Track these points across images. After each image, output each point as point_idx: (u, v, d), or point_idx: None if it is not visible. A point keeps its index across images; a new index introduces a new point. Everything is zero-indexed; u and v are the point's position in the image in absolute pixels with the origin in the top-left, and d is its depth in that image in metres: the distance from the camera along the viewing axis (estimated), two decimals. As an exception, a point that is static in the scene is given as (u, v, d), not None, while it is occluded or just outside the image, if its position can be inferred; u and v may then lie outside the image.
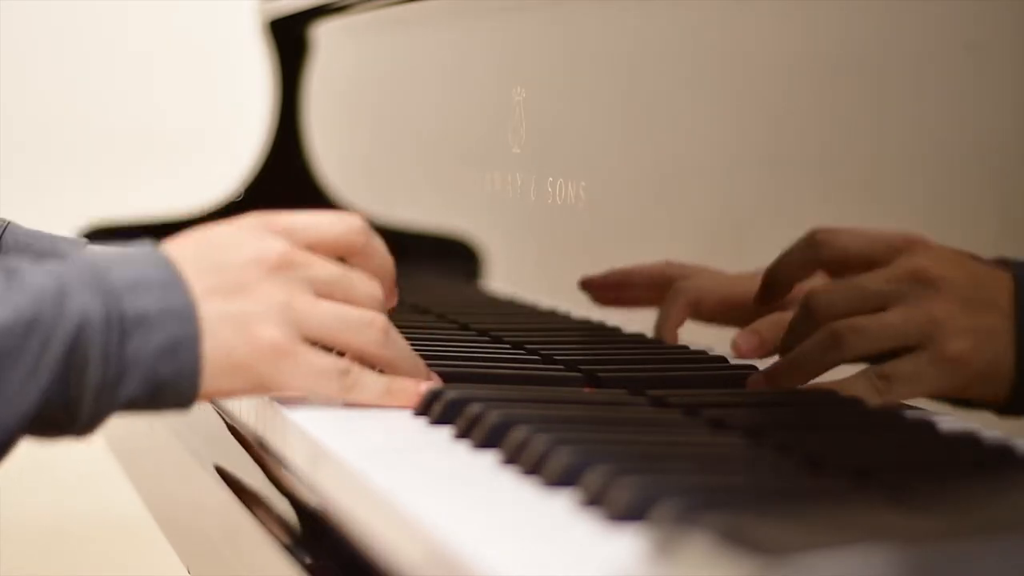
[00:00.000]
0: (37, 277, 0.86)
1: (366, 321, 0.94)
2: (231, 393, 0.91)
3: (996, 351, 0.87)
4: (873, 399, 0.91)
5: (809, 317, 0.96)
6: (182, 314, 0.87)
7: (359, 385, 0.94)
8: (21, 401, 0.85)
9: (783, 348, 0.99)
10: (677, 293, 1.15)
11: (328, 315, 0.92)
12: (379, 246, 0.98)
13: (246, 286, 0.90)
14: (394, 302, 1.00)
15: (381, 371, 0.96)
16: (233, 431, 1.08)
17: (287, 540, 0.86)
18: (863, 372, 0.93)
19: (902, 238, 0.94)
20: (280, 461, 0.96)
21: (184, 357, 0.87)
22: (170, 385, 0.87)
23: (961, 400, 0.90)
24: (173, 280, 0.88)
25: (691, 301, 1.15)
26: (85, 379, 0.85)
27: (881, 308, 0.92)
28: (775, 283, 1.03)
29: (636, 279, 1.22)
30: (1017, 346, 0.87)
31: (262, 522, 0.90)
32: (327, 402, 0.95)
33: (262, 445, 1.01)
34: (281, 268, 0.92)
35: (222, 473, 1.03)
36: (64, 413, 0.86)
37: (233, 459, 1.03)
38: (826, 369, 0.96)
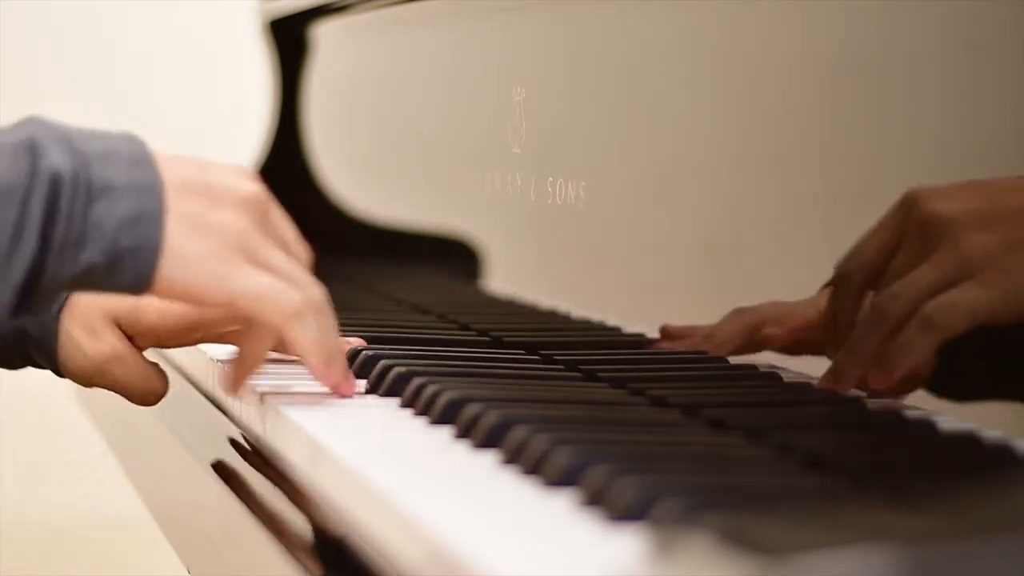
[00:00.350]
0: (8, 137, 0.89)
1: (310, 283, 0.94)
2: (185, 288, 0.91)
3: None
4: (928, 339, 0.87)
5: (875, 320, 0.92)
6: (148, 189, 0.90)
7: (303, 320, 0.93)
8: (11, 269, 0.87)
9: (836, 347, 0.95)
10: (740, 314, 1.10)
11: (280, 259, 0.93)
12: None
13: (216, 200, 0.92)
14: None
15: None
16: (233, 431, 1.08)
17: (287, 540, 0.86)
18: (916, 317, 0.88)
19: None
20: (280, 461, 0.96)
21: (145, 230, 0.89)
22: (129, 256, 0.89)
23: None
24: (144, 159, 0.91)
25: (752, 322, 1.08)
26: (51, 238, 0.87)
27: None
28: (861, 259, 0.95)
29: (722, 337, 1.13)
30: None
31: (262, 522, 0.90)
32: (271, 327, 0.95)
33: (262, 445, 1.01)
34: (254, 211, 0.93)
35: (222, 473, 1.03)
36: (28, 279, 0.88)
37: (233, 459, 1.03)
38: (877, 343, 0.90)
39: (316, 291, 0.95)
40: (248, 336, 0.99)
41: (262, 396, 1.01)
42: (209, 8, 2.62)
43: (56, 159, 0.88)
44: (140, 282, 0.90)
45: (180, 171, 0.92)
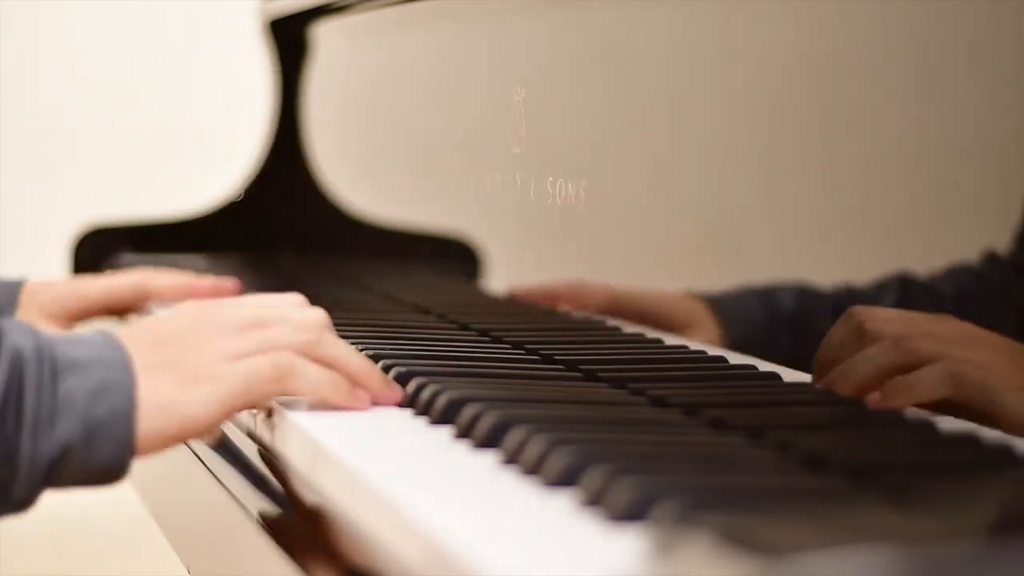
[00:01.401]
0: None
1: (292, 329, 0.95)
2: (166, 438, 0.90)
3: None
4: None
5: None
6: (113, 360, 0.89)
7: (295, 375, 0.93)
8: None
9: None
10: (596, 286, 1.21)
11: (251, 337, 0.94)
12: (331, 343, 0.98)
13: (183, 348, 0.92)
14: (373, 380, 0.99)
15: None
16: (233, 432, 1.08)
17: (287, 540, 0.86)
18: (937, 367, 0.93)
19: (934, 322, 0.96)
20: (280, 460, 0.96)
21: (117, 397, 0.88)
22: (105, 426, 0.87)
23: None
24: (106, 339, 0.90)
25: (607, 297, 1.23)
26: (22, 415, 0.85)
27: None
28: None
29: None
30: None
31: (262, 522, 0.90)
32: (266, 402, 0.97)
33: (262, 445, 1.01)
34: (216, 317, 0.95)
35: (222, 473, 1.03)
36: (4, 467, 0.85)
37: (233, 459, 1.03)
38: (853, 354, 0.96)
39: (298, 335, 0.95)
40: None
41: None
42: (209, 8, 2.62)
43: (18, 339, 0.87)
44: (121, 453, 0.88)
45: (135, 334, 0.92)
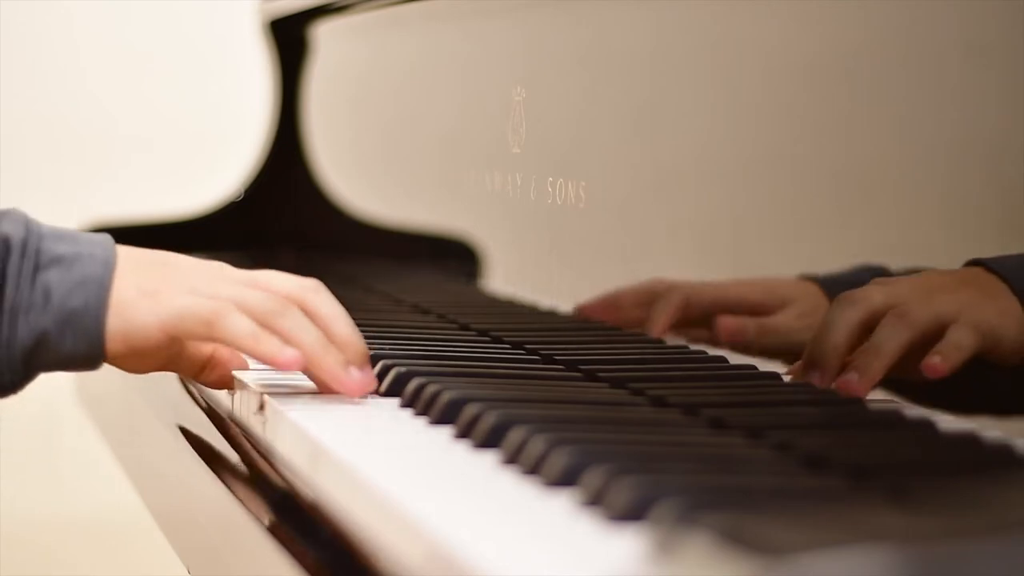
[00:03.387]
0: None
1: (280, 287, 0.99)
2: (117, 338, 0.95)
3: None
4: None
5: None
6: (96, 258, 0.95)
7: (223, 322, 0.97)
8: None
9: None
10: (671, 291, 1.17)
11: (227, 287, 0.98)
12: (326, 301, 1.00)
13: (163, 271, 0.98)
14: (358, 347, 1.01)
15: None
16: (233, 431, 1.08)
17: (287, 540, 0.86)
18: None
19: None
20: (280, 461, 0.96)
21: (91, 291, 0.94)
22: (77, 317, 0.94)
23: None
24: (102, 239, 0.97)
25: (685, 298, 1.16)
26: (2, 303, 0.93)
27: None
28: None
29: (627, 300, 1.25)
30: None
31: (262, 522, 0.90)
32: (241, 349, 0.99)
33: (262, 445, 1.01)
34: (207, 268, 1.00)
35: (222, 473, 1.03)
36: None
37: (233, 459, 1.03)
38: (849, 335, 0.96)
39: (271, 304, 0.97)
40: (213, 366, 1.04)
41: (262, 396, 1.01)
42: (209, 8, 2.62)
43: (7, 228, 0.94)
44: (93, 345, 0.95)
45: (136, 253, 0.98)
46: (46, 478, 2.49)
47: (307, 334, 0.98)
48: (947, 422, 0.90)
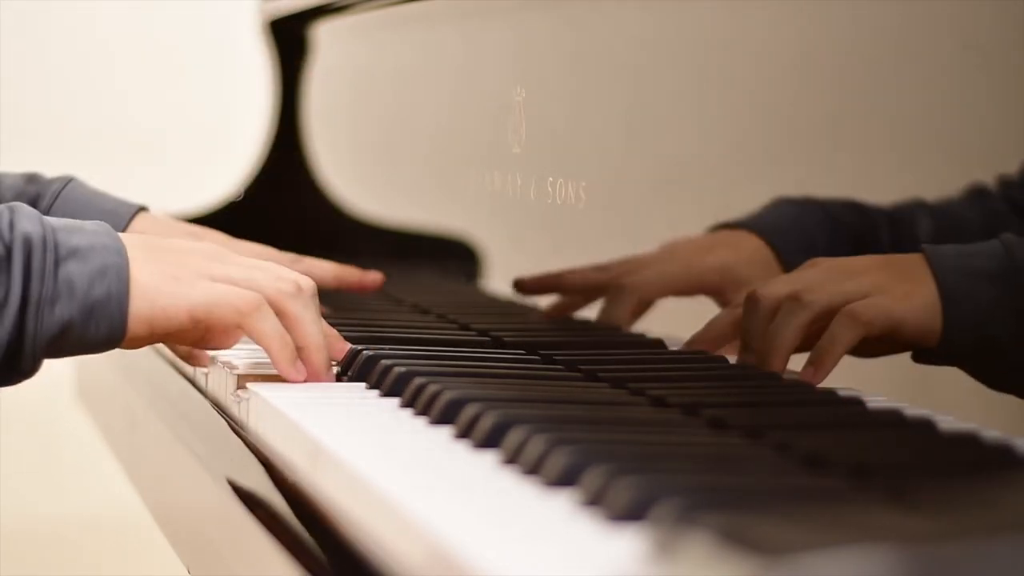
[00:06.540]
0: None
1: (274, 279, 1.02)
2: (142, 322, 0.99)
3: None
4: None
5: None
6: (110, 247, 0.98)
7: (256, 316, 1.00)
8: None
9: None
10: (622, 291, 1.20)
11: (238, 269, 1.02)
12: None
13: (172, 255, 1.02)
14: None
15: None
16: (233, 431, 1.08)
17: (287, 540, 0.86)
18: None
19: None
20: (280, 461, 0.96)
21: (112, 279, 0.98)
22: (102, 306, 0.97)
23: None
24: (105, 228, 1.00)
25: (640, 300, 1.20)
26: (28, 297, 0.96)
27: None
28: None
29: (568, 286, 1.30)
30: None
31: (262, 522, 0.90)
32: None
33: (262, 445, 1.01)
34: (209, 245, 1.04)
35: (222, 473, 1.03)
36: (14, 343, 0.96)
37: (233, 459, 1.03)
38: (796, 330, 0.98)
39: (279, 284, 1.02)
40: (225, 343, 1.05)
41: (262, 396, 1.01)
42: (209, 8, 2.62)
43: (26, 226, 0.97)
44: (114, 330, 0.98)
45: (134, 238, 1.01)
46: (46, 477, 2.49)
47: (317, 324, 1.03)
48: (947, 422, 0.90)
